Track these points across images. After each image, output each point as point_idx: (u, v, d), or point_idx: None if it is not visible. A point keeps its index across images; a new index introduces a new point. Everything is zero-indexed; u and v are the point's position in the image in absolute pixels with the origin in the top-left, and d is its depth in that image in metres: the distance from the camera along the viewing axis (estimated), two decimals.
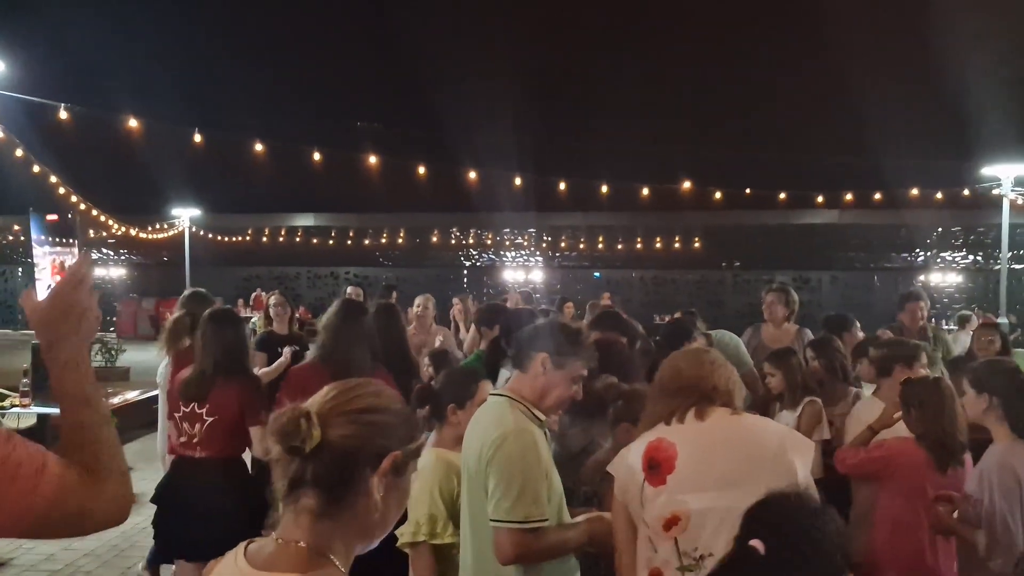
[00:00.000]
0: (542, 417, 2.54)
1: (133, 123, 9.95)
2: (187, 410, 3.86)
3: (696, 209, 20.01)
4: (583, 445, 3.35)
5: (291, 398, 3.66)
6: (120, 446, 1.43)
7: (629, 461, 2.31)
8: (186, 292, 4.94)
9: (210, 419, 3.80)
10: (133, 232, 21.72)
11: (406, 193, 20.36)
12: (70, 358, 1.39)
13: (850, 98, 25.72)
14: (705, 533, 2.14)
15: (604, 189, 14.01)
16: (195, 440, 3.83)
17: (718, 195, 14.24)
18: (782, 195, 15.78)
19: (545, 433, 2.55)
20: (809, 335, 5.66)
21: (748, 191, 15.13)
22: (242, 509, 3.65)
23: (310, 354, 4.10)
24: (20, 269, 31.88)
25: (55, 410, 7.81)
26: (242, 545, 1.32)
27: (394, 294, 8.94)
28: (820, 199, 16.17)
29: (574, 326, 2.79)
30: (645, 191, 14.32)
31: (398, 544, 2.74)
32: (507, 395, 2.55)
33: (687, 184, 14.33)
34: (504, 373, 4.30)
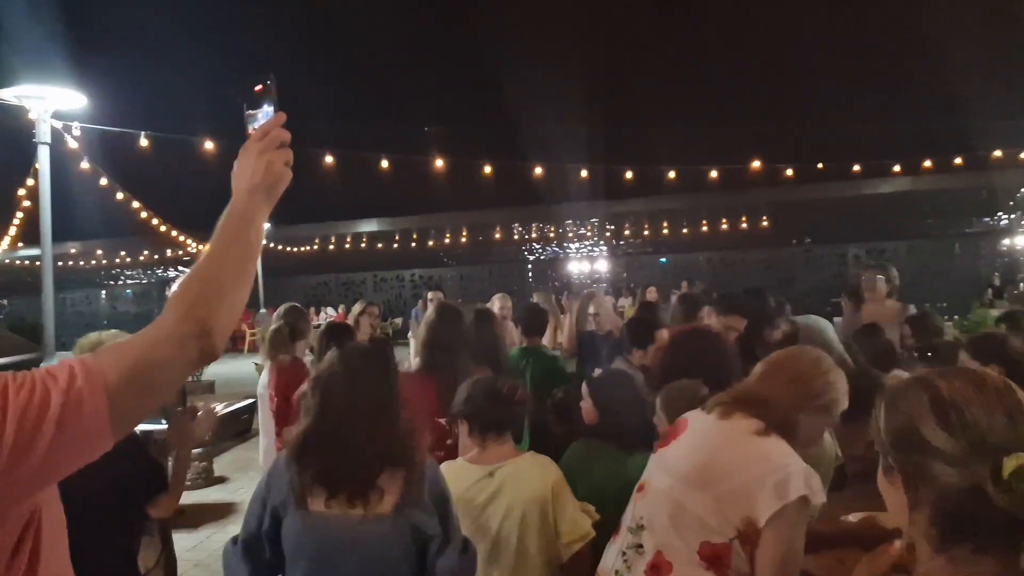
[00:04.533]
0: None
1: (209, 145, 10.24)
2: None
3: (761, 186, 19.55)
4: None
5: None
6: (231, 303, 1.39)
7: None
8: (285, 306, 5.06)
9: None
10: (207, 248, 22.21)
11: (466, 191, 20.40)
12: (250, 212, 1.44)
13: (924, 58, 24.71)
14: (650, 509, 2.26)
15: (672, 175, 13.72)
16: None
17: (789, 172, 13.76)
18: (856, 167, 15.19)
19: None
20: (913, 311, 5.45)
21: (821, 165, 14.58)
22: None
23: (414, 362, 4.14)
24: (103, 292, 33.24)
25: (158, 427, 8.09)
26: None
27: (430, 294, 8.96)
28: (897, 168, 15.49)
29: None
30: (714, 173, 13.97)
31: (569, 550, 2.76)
32: None
33: (755, 163, 13.96)
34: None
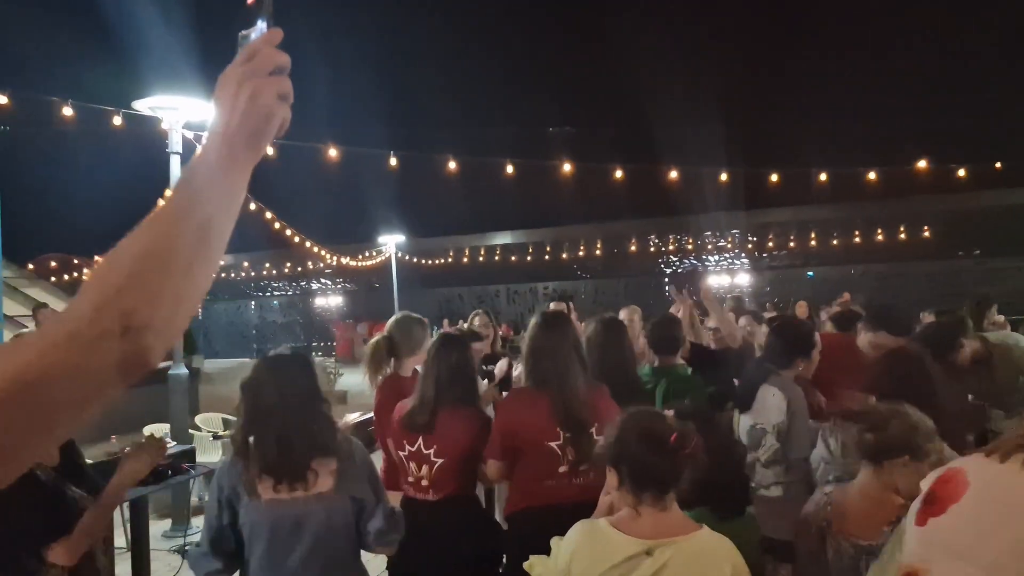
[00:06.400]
0: None
1: (333, 153, 10.27)
2: (412, 449, 3.52)
3: (925, 192, 17.79)
4: None
5: (505, 428, 3.17)
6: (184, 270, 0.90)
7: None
8: (395, 316, 4.65)
9: (439, 461, 3.45)
10: (345, 261, 22.94)
11: (601, 201, 19.85)
12: (224, 163, 0.95)
13: None
14: None
15: (822, 177, 12.53)
16: (424, 482, 3.50)
17: (961, 172, 12.15)
18: None
19: None
20: None
21: (999, 165, 12.82)
22: (480, 552, 3.41)
23: (520, 377, 3.66)
24: (252, 303, 35.05)
25: None
26: None
27: (552, 305, 8.21)
28: None
29: None
30: (871, 176, 12.65)
31: None
32: None
33: (920, 164, 12.56)
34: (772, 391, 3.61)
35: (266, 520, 2.61)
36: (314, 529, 2.61)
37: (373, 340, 4.38)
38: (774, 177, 12.32)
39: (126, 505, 4.70)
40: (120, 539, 5.60)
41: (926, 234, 23.31)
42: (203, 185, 0.94)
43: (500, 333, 7.84)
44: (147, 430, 7.43)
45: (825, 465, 3.05)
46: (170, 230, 0.91)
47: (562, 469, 3.20)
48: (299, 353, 2.83)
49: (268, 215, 13.43)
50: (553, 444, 3.20)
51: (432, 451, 3.43)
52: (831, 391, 3.70)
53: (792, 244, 24.69)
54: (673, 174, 12.42)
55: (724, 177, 12.86)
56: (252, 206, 12.44)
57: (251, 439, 2.66)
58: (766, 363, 3.73)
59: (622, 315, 6.45)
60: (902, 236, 23.39)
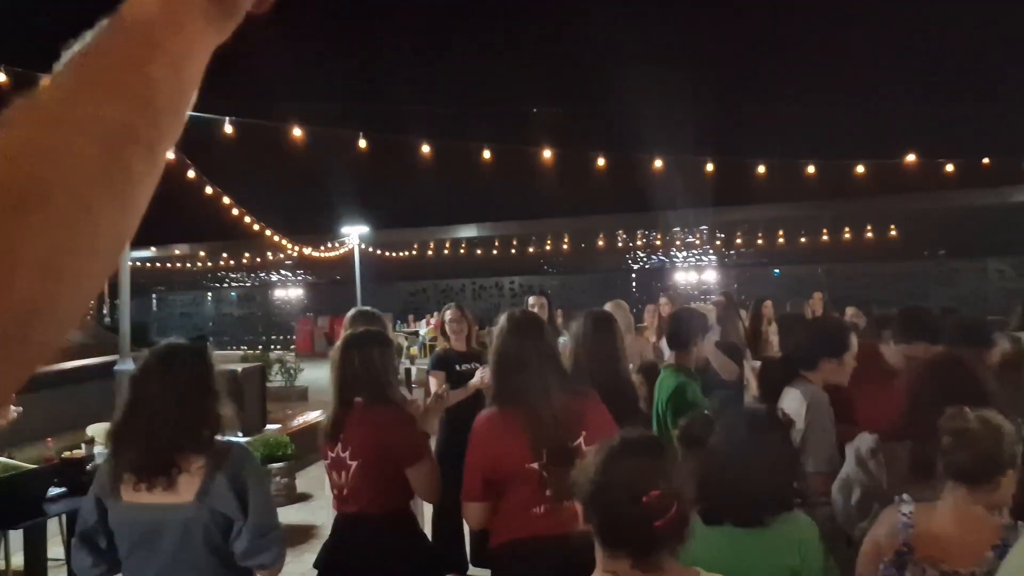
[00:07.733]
0: None
1: (298, 132, 9.74)
2: (333, 455, 3.20)
3: (893, 192, 17.82)
4: None
5: (482, 463, 2.72)
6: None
7: None
8: (351, 312, 4.22)
9: (354, 464, 3.11)
10: (307, 252, 22.32)
11: (570, 196, 19.54)
12: (166, 32, 0.55)
13: None
14: None
15: (792, 175, 12.36)
16: (345, 491, 3.17)
17: (950, 167, 11.99)
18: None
19: None
20: None
21: (986, 161, 12.65)
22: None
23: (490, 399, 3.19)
24: (208, 295, 34.10)
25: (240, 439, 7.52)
26: None
27: (531, 300, 7.60)
28: None
29: None
30: (841, 175, 12.54)
31: None
32: None
33: (890, 164, 12.46)
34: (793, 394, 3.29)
35: (126, 524, 2.51)
36: (170, 541, 2.47)
37: (338, 344, 3.97)
38: (743, 174, 12.16)
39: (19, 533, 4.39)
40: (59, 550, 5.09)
41: (892, 234, 23.47)
42: (131, 63, 0.53)
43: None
44: (90, 431, 6.88)
45: (861, 489, 2.69)
46: (69, 139, 0.48)
47: (549, 492, 2.80)
48: (194, 343, 2.64)
49: (226, 200, 12.83)
50: (535, 465, 2.80)
51: (348, 454, 3.13)
52: (857, 404, 3.35)
53: (760, 242, 24.69)
54: (643, 170, 12.14)
55: (693, 174, 12.63)
56: (208, 190, 11.81)
57: (120, 434, 2.51)
58: (789, 363, 3.38)
59: (607, 308, 6.09)
60: (869, 235, 23.52)
